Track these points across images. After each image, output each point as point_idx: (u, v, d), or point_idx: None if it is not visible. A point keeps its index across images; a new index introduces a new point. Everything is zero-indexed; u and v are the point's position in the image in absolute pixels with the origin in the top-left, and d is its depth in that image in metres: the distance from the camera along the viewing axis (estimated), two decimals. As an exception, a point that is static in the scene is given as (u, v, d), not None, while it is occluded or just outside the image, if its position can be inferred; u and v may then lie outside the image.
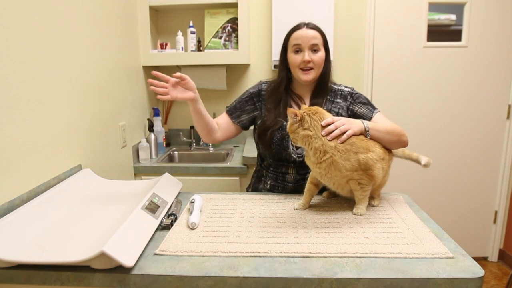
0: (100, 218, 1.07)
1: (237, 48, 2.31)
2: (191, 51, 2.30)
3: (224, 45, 2.35)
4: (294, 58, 1.36)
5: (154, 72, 1.23)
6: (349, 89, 1.44)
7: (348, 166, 1.09)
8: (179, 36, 2.30)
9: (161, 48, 2.35)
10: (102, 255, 0.80)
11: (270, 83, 1.47)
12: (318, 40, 1.35)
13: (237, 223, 1.10)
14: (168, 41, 2.41)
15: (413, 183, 2.58)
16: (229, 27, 2.34)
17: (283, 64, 1.42)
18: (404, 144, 1.26)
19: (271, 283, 0.83)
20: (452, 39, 2.42)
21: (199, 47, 2.35)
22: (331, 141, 1.09)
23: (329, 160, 1.09)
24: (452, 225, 2.61)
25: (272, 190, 1.44)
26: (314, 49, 1.34)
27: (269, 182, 1.45)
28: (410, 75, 2.46)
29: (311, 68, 1.35)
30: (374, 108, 1.41)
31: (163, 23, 2.48)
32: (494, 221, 2.62)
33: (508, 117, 2.48)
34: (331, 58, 2.29)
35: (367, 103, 1.42)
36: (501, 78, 2.43)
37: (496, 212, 2.60)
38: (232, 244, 0.96)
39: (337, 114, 1.39)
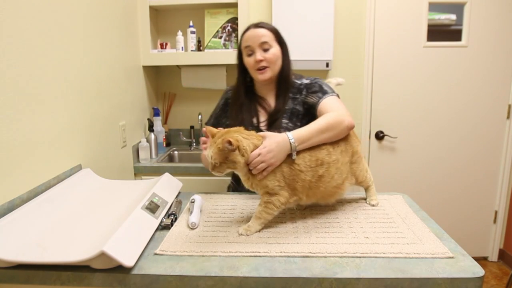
0: (100, 218, 1.07)
1: (237, 47, 2.31)
2: (191, 51, 2.30)
3: (224, 45, 2.35)
4: (248, 61, 1.34)
5: (204, 129, 1.22)
6: (308, 81, 1.38)
7: (271, 177, 1.06)
8: (179, 36, 2.30)
9: (161, 48, 2.35)
10: (102, 255, 0.80)
11: (232, 89, 1.45)
12: (268, 38, 1.32)
13: (237, 223, 1.10)
14: (168, 41, 2.41)
15: (413, 183, 2.58)
16: (229, 27, 2.34)
17: (240, 69, 1.40)
18: (348, 129, 1.16)
19: (271, 283, 0.83)
20: (452, 39, 2.42)
21: (199, 47, 2.35)
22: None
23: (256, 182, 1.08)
24: (452, 225, 2.61)
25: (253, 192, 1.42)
26: (264, 47, 1.32)
27: None
28: (410, 75, 2.45)
29: (266, 67, 1.32)
30: (324, 93, 1.31)
31: (163, 23, 2.48)
32: (494, 221, 2.62)
33: (508, 117, 2.48)
34: (331, 57, 2.33)
35: (318, 90, 1.33)
36: (501, 78, 2.43)
37: (496, 212, 2.60)
38: (232, 244, 0.96)
39: (295, 110, 1.35)
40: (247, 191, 1.41)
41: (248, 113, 1.38)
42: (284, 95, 1.37)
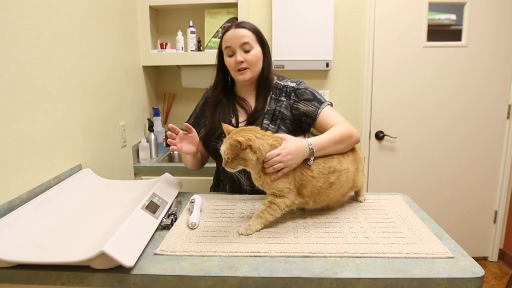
0: (100, 218, 1.07)
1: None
2: (191, 51, 2.30)
3: (224, 45, 2.35)
4: (228, 61, 1.32)
5: (171, 125, 1.28)
6: (294, 85, 1.36)
7: (283, 178, 1.07)
8: (179, 36, 2.30)
9: (161, 48, 2.35)
10: (102, 255, 0.80)
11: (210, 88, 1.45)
12: (249, 38, 1.30)
13: (237, 223, 1.10)
14: (168, 41, 2.41)
15: (413, 183, 2.58)
16: (229, 27, 2.34)
17: (219, 67, 1.39)
18: (355, 143, 1.21)
19: (271, 283, 0.83)
20: (452, 39, 2.42)
21: (199, 47, 2.35)
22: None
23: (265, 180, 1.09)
24: (452, 225, 2.61)
25: (251, 192, 1.40)
26: (245, 48, 1.30)
27: (227, 187, 1.44)
28: (410, 75, 2.46)
29: (247, 68, 1.31)
30: (321, 103, 1.32)
31: (163, 23, 2.48)
32: (494, 221, 2.62)
33: (508, 117, 2.48)
34: (331, 57, 2.33)
35: (313, 99, 1.33)
36: (501, 78, 2.43)
37: (496, 212, 2.60)
38: (232, 244, 0.96)
39: (279, 112, 1.35)
40: (231, 192, 1.42)
41: (225, 113, 1.37)
42: (264, 96, 1.36)
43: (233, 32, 1.31)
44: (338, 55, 2.45)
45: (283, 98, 1.36)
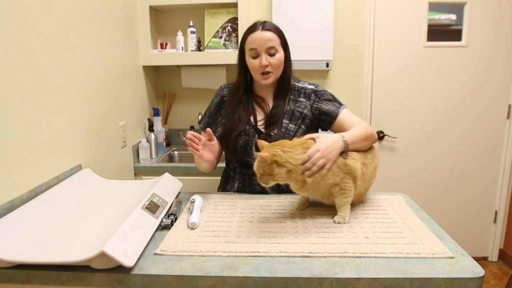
0: (100, 218, 1.07)
1: (237, 48, 2.31)
2: (191, 51, 2.30)
3: (224, 45, 2.35)
4: (252, 63, 1.33)
5: (191, 132, 1.26)
6: (313, 87, 1.41)
7: (330, 175, 1.08)
8: (179, 36, 2.30)
9: (161, 48, 2.35)
10: (102, 255, 0.80)
11: (231, 87, 1.45)
12: (275, 42, 1.30)
13: (237, 223, 1.10)
14: (168, 41, 2.41)
15: (413, 183, 2.58)
16: (229, 27, 2.34)
17: (242, 66, 1.39)
18: (375, 142, 1.27)
19: (271, 283, 0.83)
20: (452, 39, 2.42)
21: (199, 47, 2.35)
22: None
23: (312, 182, 1.08)
24: (452, 225, 2.61)
25: (240, 192, 1.42)
26: (270, 52, 1.31)
27: (236, 184, 1.44)
28: (410, 75, 2.46)
29: (270, 72, 1.32)
30: (340, 104, 1.38)
31: (163, 23, 2.48)
32: (494, 221, 2.62)
33: (508, 117, 2.48)
34: (331, 57, 2.33)
35: (333, 99, 1.38)
36: (501, 78, 2.43)
37: (496, 212, 2.60)
38: (232, 244, 0.96)
39: (301, 114, 1.37)
40: (240, 190, 1.43)
41: (245, 111, 1.38)
42: (284, 98, 1.39)
43: (259, 34, 1.30)
44: (338, 55, 2.45)
45: (302, 99, 1.39)
